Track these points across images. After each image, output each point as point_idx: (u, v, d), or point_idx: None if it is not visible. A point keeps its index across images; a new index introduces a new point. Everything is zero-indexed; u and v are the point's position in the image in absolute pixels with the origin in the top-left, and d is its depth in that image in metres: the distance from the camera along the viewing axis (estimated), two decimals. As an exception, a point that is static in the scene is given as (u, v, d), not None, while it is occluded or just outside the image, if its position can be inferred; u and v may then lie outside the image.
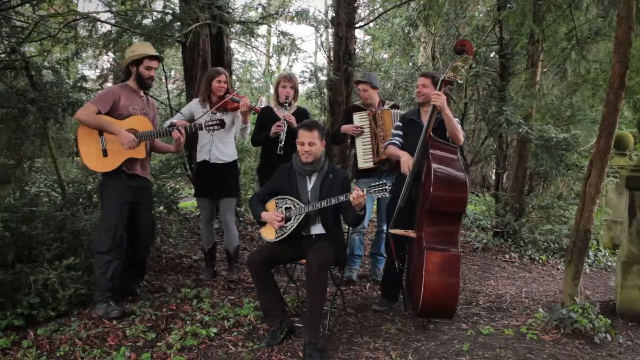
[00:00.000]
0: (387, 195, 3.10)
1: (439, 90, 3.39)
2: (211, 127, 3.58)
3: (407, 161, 3.43)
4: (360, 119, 4.17)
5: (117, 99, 3.36)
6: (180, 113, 4.12)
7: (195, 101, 4.10)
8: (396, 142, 3.67)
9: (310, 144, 3.19)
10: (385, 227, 4.22)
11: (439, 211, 3.20)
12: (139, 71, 3.46)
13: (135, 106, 3.46)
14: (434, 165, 3.21)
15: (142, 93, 3.56)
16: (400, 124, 3.75)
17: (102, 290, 3.32)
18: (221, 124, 3.59)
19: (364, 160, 4.15)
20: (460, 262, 3.22)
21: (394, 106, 4.36)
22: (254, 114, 4.20)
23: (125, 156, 3.39)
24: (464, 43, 3.41)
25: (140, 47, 3.53)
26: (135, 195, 3.46)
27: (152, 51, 3.52)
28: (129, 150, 3.37)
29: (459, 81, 3.57)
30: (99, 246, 3.34)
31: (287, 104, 4.07)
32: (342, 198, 3.11)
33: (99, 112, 3.30)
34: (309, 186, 3.31)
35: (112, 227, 3.34)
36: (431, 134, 3.39)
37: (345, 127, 4.20)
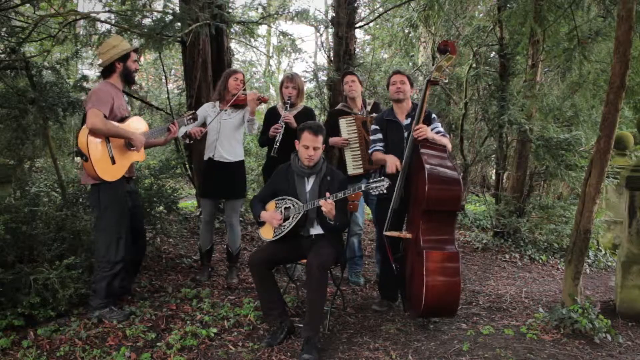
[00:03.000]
0: (384, 191, 3.10)
1: (425, 90, 3.44)
2: (188, 119, 3.70)
3: (393, 162, 3.43)
4: (347, 124, 4.10)
5: (112, 100, 3.24)
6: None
7: (208, 105, 4.12)
8: (379, 147, 3.66)
9: (315, 148, 3.19)
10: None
11: (435, 210, 3.20)
12: (126, 66, 3.34)
13: (123, 106, 3.39)
14: (427, 165, 3.21)
15: (122, 91, 3.48)
16: (377, 127, 3.70)
17: (102, 298, 3.28)
18: (194, 117, 3.75)
19: (354, 167, 4.09)
20: (459, 259, 3.23)
21: (375, 104, 4.35)
22: (261, 103, 4.14)
23: (129, 161, 3.34)
24: (447, 43, 3.45)
25: (121, 42, 3.38)
26: (132, 199, 3.44)
27: (129, 45, 3.44)
28: (133, 154, 3.33)
29: (444, 81, 3.60)
30: (111, 256, 3.25)
31: (288, 104, 4.06)
32: (340, 195, 3.12)
33: (105, 117, 3.17)
34: (307, 187, 3.31)
35: (123, 234, 3.28)
36: None
37: (333, 140, 4.12)
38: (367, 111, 4.22)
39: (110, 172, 3.22)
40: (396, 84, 3.64)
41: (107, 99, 3.21)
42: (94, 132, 3.11)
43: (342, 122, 4.12)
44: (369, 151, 3.78)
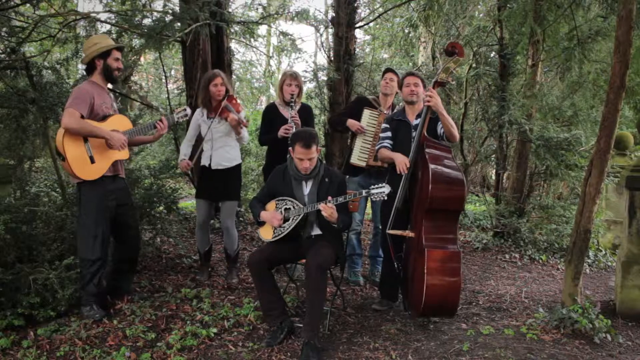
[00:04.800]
0: (385, 198, 3.12)
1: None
2: (180, 117, 3.63)
3: (403, 161, 3.44)
4: (370, 116, 4.12)
5: (92, 99, 3.21)
6: (188, 138, 4.08)
7: (197, 112, 4.05)
8: (387, 144, 3.69)
9: (309, 159, 3.18)
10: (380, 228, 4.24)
11: (438, 210, 3.21)
12: (107, 64, 3.30)
13: (106, 104, 3.34)
14: (432, 165, 3.23)
15: (107, 88, 3.45)
16: (387, 126, 3.76)
17: (87, 295, 3.28)
18: (186, 114, 3.64)
19: (359, 157, 4.11)
20: (461, 258, 3.23)
21: None
22: (241, 128, 4.00)
23: (111, 160, 3.30)
24: (455, 45, 3.46)
25: (103, 40, 3.36)
26: (117, 198, 3.39)
27: (113, 42, 3.41)
28: (114, 153, 3.29)
29: (451, 82, 3.61)
30: (88, 254, 3.25)
31: (293, 102, 4.02)
32: (340, 199, 3.13)
33: (82, 116, 3.14)
34: (306, 191, 3.31)
35: (99, 234, 3.26)
36: (425, 134, 3.41)
37: (352, 123, 4.13)
38: (394, 113, 4.23)
39: (90, 171, 3.21)
40: (410, 86, 3.67)
41: (85, 98, 3.18)
42: (69, 132, 3.12)
43: (366, 112, 4.14)
44: (376, 147, 3.81)
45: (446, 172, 3.26)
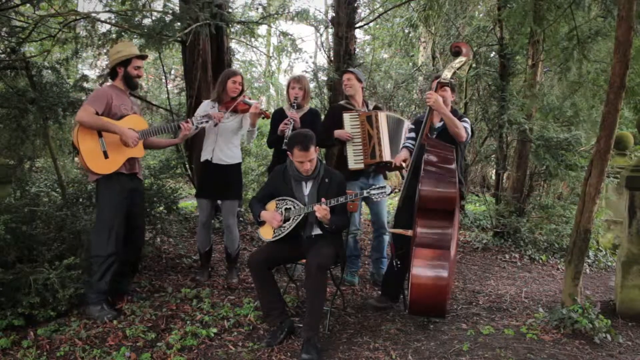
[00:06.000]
0: (386, 197, 3.13)
1: (435, 91, 3.42)
2: (200, 122, 3.75)
3: (399, 157, 3.62)
4: (351, 119, 4.11)
5: (110, 99, 3.34)
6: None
7: (205, 103, 4.10)
8: (408, 144, 3.75)
9: (310, 160, 3.19)
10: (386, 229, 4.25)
11: (429, 209, 3.22)
12: (127, 71, 3.46)
13: (125, 106, 3.46)
14: (425, 165, 3.27)
15: (128, 93, 3.58)
16: (413, 127, 3.83)
17: (97, 293, 3.31)
18: (207, 118, 3.79)
19: (355, 161, 4.11)
20: (450, 259, 3.18)
21: (376, 107, 4.37)
22: (263, 118, 4.14)
23: (125, 156, 3.39)
24: (459, 45, 3.44)
25: (126, 48, 3.50)
26: (132, 197, 3.46)
27: (137, 51, 3.54)
28: (129, 149, 3.37)
29: (453, 82, 3.63)
30: (100, 250, 3.31)
31: (295, 105, 4.08)
32: (341, 200, 3.13)
33: (97, 113, 3.27)
34: (306, 191, 3.31)
35: (113, 229, 3.32)
36: (428, 134, 3.42)
37: (339, 133, 4.13)
38: (369, 110, 4.23)
39: (102, 166, 3.32)
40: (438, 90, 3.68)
41: (102, 97, 3.33)
42: (82, 126, 3.25)
43: (346, 117, 4.13)
44: (400, 147, 3.88)
45: (439, 171, 3.27)
